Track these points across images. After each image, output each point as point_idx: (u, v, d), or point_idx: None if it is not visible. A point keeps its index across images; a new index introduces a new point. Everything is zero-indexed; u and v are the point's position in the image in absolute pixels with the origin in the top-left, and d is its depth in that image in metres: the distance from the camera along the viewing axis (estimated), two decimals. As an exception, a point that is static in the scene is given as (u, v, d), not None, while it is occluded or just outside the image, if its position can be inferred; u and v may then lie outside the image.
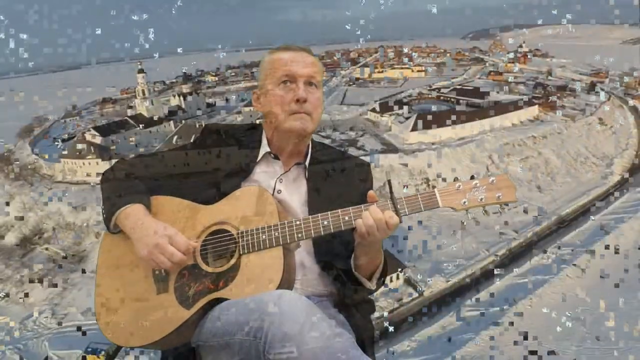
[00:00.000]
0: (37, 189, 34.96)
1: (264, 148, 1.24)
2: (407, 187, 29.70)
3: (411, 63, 76.50)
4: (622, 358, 17.80)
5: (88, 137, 40.08)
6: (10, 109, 72.80)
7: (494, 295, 21.73)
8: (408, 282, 22.83)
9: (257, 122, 1.29)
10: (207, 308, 1.04)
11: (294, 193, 1.23)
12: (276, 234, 1.06)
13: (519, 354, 18.03)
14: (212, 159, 1.25)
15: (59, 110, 57.66)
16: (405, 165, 32.87)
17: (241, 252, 1.07)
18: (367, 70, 73.54)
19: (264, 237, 1.07)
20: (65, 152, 37.36)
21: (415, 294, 22.36)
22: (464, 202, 1.05)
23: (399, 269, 22.05)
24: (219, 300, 1.03)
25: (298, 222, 1.08)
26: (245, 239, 1.08)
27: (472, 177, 1.09)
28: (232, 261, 1.07)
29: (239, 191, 1.15)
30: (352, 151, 35.90)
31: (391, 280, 22.43)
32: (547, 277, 22.54)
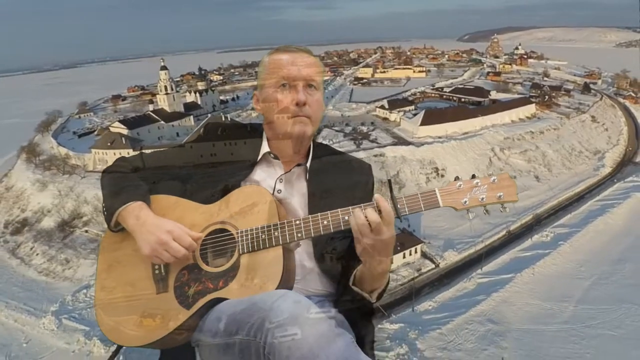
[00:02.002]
0: (71, 178, 37.25)
1: (264, 148, 1.23)
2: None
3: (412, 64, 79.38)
4: (612, 316, 20.74)
5: (114, 130, 42.45)
6: (12, 106, 74.49)
7: (501, 266, 24.77)
8: (425, 255, 25.80)
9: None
10: (207, 308, 1.04)
11: (294, 193, 1.22)
12: (276, 233, 1.06)
13: (524, 311, 21.01)
14: (213, 158, 1.26)
15: (64, 106, 59.60)
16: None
17: (241, 252, 1.07)
18: (369, 70, 76.40)
19: (263, 236, 1.07)
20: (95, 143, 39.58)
21: (432, 265, 25.37)
22: (465, 202, 1.03)
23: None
24: (219, 300, 1.04)
25: (298, 222, 1.07)
26: (244, 238, 1.08)
27: (474, 176, 1.06)
28: (232, 261, 1.07)
29: (238, 190, 1.15)
30: (365, 144, 38.70)
31: (410, 254, 25.35)
32: (547, 251, 25.56)
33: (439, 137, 39.22)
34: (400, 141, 38.56)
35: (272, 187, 1.20)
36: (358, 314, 1.18)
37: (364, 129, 42.56)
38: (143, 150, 1.35)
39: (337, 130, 42.14)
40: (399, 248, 24.26)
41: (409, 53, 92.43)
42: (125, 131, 41.38)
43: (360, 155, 35.01)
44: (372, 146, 37.37)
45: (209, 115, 44.09)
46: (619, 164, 41.35)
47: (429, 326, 19.35)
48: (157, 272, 1.11)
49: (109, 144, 37.94)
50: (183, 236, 1.07)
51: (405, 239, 24.91)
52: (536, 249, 26.16)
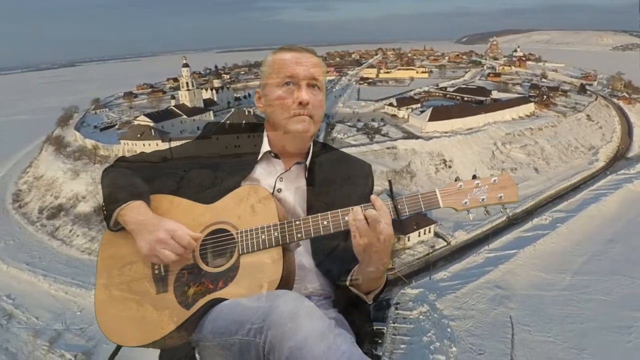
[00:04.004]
0: (103, 166, 39.84)
1: (265, 147, 1.24)
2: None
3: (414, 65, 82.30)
4: (604, 285, 23.67)
5: (140, 123, 45.08)
6: (15, 104, 76.52)
7: (505, 244, 27.76)
8: (437, 235, 28.77)
9: None
10: (207, 308, 1.04)
11: (294, 192, 1.22)
12: (276, 233, 1.06)
13: (527, 280, 23.96)
14: (213, 157, 1.26)
15: (69, 103, 61.83)
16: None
17: (240, 252, 1.07)
18: (374, 70, 79.23)
19: (263, 237, 1.07)
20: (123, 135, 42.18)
21: (444, 243, 28.35)
22: (465, 203, 1.03)
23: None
24: (219, 301, 1.03)
25: (298, 222, 1.07)
26: (244, 238, 1.08)
27: (474, 177, 1.06)
28: (232, 261, 1.07)
29: (238, 190, 1.15)
30: (378, 138, 41.63)
31: (425, 233, 28.29)
32: (546, 232, 28.55)
33: (446, 132, 42.22)
34: (410, 135, 41.54)
35: (272, 186, 1.21)
36: (357, 314, 1.20)
37: (375, 124, 45.43)
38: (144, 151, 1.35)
39: (350, 126, 45.00)
40: (415, 227, 27.24)
41: (409, 54, 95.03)
42: (150, 124, 43.98)
43: (374, 147, 38.04)
44: (384, 140, 40.35)
45: (233, 109, 46.74)
46: (612, 158, 44.38)
47: (445, 291, 22.27)
48: (156, 272, 1.11)
49: (138, 135, 40.51)
50: (182, 235, 1.07)
51: (420, 219, 27.84)
52: (536, 230, 29.19)
